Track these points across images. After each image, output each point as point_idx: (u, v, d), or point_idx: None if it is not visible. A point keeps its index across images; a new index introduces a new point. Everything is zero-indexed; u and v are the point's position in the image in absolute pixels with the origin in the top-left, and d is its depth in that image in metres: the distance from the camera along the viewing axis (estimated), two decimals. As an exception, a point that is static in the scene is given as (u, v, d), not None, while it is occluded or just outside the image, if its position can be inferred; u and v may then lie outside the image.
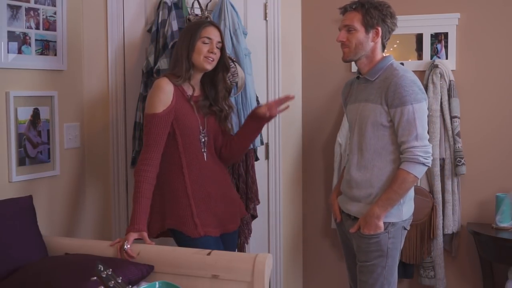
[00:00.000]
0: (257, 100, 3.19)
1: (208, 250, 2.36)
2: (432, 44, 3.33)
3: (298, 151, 3.62)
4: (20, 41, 2.67)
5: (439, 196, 3.24)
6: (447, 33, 3.30)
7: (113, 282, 1.58)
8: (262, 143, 3.25)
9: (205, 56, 2.50)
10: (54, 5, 2.84)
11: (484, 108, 3.29)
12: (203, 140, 2.57)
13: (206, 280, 2.31)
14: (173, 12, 2.98)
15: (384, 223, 2.39)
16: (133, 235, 2.39)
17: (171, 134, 2.51)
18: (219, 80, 2.62)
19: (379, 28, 2.42)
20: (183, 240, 2.51)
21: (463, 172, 3.21)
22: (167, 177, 2.53)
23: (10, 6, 2.61)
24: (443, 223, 3.26)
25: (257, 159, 3.27)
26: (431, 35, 3.33)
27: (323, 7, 3.51)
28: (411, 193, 2.48)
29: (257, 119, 2.65)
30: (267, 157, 3.47)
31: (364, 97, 2.46)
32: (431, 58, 3.33)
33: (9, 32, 2.61)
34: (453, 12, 3.29)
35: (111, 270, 1.60)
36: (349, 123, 2.62)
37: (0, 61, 2.58)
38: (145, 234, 2.41)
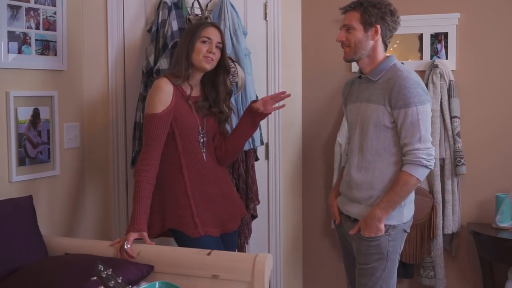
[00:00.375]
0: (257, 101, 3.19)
1: (208, 250, 2.36)
2: (432, 44, 3.33)
3: (298, 151, 3.62)
4: (20, 41, 2.67)
5: (439, 196, 3.24)
6: (447, 33, 3.30)
7: (113, 282, 1.58)
8: (262, 143, 3.25)
9: (204, 55, 2.50)
10: (54, 5, 2.84)
11: (484, 108, 3.29)
12: (202, 140, 2.57)
13: (206, 280, 2.31)
14: (173, 12, 2.98)
15: (385, 225, 2.36)
16: (133, 235, 2.39)
17: (170, 134, 2.51)
18: (220, 82, 2.62)
19: (378, 26, 2.39)
20: (183, 240, 2.51)
21: (463, 172, 3.21)
22: (166, 177, 2.54)
23: (10, 6, 2.61)
24: (443, 223, 3.26)
25: (257, 159, 3.27)
26: (431, 35, 3.33)
27: (323, 7, 3.51)
28: (412, 195, 2.45)
29: (252, 115, 2.64)
30: (267, 157, 3.47)
31: (366, 97, 2.43)
32: (431, 58, 3.33)
33: (9, 32, 2.61)
34: (453, 12, 3.29)
35: (111, 270, 1.60)
36: (349, 123, 2.59)
37: (0, 61, 2.58)
38: (145, 234, 2.41)
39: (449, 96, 3.23)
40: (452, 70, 3.27)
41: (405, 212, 2.42)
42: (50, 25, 2.83)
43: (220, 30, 2.57)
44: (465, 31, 3.29)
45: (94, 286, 1.76)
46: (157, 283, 2.07)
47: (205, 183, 2.56)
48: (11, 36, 2.62)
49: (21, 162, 2.67)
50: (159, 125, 2.46)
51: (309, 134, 3.62)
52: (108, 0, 3.06)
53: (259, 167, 3.33)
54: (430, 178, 3.27)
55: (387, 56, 2.46)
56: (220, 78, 2.61)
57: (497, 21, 3.25)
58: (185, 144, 2.53)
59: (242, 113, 3.03)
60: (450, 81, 3.23)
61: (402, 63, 3.28)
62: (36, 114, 2.76)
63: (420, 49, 3.36)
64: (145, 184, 2.43)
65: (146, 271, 2.32)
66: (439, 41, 3.32)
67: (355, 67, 3.43)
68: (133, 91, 3.10)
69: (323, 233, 3.63)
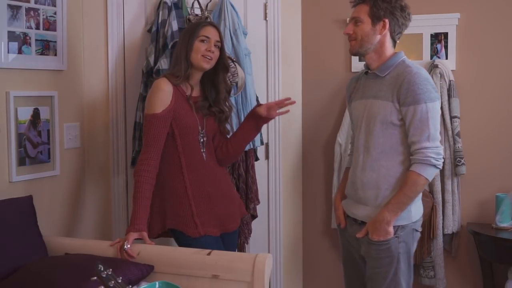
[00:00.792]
0: (257, 100, 3.19)
1: (208, 250, 2.36)
2: (432, 44, 3.33)
3: (298, 151, 3.62)
4: (20, 41, 2.67)
5: (439, 196, 3.24)
6: (447, 33, 3.30)
7: (113, 282, 1.58)
8: (262, 143, 3.25)
9: (203, 54, 2.49)
10: (54, 5, 2.84)
11: (484, 108, 3.29)
12: (202, 140, 2.57)
13: (206, 280, 2.31)
14: (173, 12, 2.98)
15: (394, 226, 2.28)
16: (133, 235, 2.39)
17: (170, 134, 2.51)
18: (220, 81, 2.61)
19: (387, 21, 2.31)
20: (183, 240, 2.51)
21: (463, 172, 3.21)
22: (166, 177, 2.54)
23: (10, 6, 2.61)
24: (443, 223, 3.26)
25: (257, 159, 3.27)
26: (431, 35, 3.33)
27: (323, 7, 3.51)
28: (419, 194, 2.37)
29: (256, 119, 2.64)
30: (267, 157, 3.47)
31: (373, 93, 2.34)
32: (431, 58, 3.33)
33: (9, 32, 2.61)
34: (453, 12, 3.29)
35: (111, 270, 1.60)
36: (353, 121, 2.50)
37: (0, 61, 2.58)
38: (145, 234, 2.41)
39: (449, 96, 3.23)
40: (452, 70, 3.27)
41: (413, 211, 2.34)
42: (50, 25, 2.83)
43: (218, 29, 2.57)
44: (465, 31, 3.29)
45: (94, 286, 1.76)
46: (157, 283, 2.07)
47: (205, 183, 2.56)
48: (11, 36, 2.62)
49: (21, 162, 2.67)
50: (159, 125, 2.46)
51: (309, 134, 3.62)
52: (108, 0, 3.06)
53: (259, 167, 3.33)
54: (430, 178, 3.26)
55: (396, 52, 2.38)
56: (219, 77, 2.61)
57: (497, 21, 3.25)
58: (185, 144, 2.53)
59: (241, 113, 3.04)
60: (450, 81, 3.23)
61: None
62: (36, 114, 2.76)
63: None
64: (145, 184, 2.43)
65: (146, 271, 2.32)
66: (439, 41, 3.32)
67: (355, 67, 3.44)
68: (133, 91, 3.10)
69: (323, 233, 3.63)
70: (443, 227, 3.26)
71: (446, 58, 3.31)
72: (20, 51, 2.67)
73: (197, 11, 3.13)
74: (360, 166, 2.37)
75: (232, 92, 3.03)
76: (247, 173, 3.15)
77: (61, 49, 2.89)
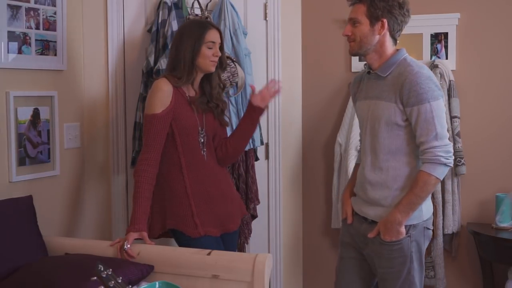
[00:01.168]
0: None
1: (208, 250, 2.36)
2: (432, 44, 3.33)
3: (298, 151, 3.62)
4: (20, 41, 2.67)
5: (439, 196, 3.24)
6: (447, 33, 3.30)
7: (113, 282, 1.58)
8: (262, 143, 3.25)
9: (211, 60, 2.52)
10: (54, 5, 2.84)
11: (484, 108, 3.29)
12: (202, 140, 2.57)
13: (206, 280, 2.31)
14: (173, 12, 2.98)
15: (405, 226, 2.25)
16: (133, 235, 2.39)
17: (170, 134, 2.51)
18: (214, 75, 2.61)
19: (385, 20, 2.26)
20: (183, 240, 2.51)
21: (463, 172, 3.21)
22: (166, 177, 2.54)
23: (10, 6, 2.61)
24: (443, 223, 3.26)
25: (257, 159, 3.27)
26: (431, 35, 3.33)
27: (323, 7, 3.51)
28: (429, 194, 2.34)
29: (251, 112, 2.63)
30: (267, 157, 3.47)
31: (376, 94, 2.31)
32: (431, 58, 3.33)
33: (9, 32, 2.61)
34: (453, 12, 3.29)
35: (111, 270, 1.60)
36: (359, 121, 2.46)
37: (0, 61, 2.58)
38: (145, 234, 2.41)
39: (449, 96, 3.23)
40: (452, 70, 3.27)
41: (424, 209, 2.31)
42: (50, 25, 2.83)
43: (219, 30, 2.58)
44: (465, 31, 3.29)
45: (94, 286, 1.76)
46: (157, 283, 2.07)
47: (205, 183, 2.56)
48: (11, 36, 2.62)
49: (21, 162, 2.67)
50: (158, 126, 2.46)
51: (309, 134, 3.62)
52: (108, 0, 3.06)
53: (259, 167, 3.33)
54: (430, 178, 3.26)
55: (397, 50, 2.33)
56: (214, 72, 2.61)
57: (497, 21, 3.25)
58: (185, 144, 2.53)
59: (241, 113, 3.04)
60: (450, 81, 3.23)
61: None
62: (36, 114, 2.76)
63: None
64: (145, 184, 2.43)
65: (146, 271, 2.32)
66: (439, 41, 3.32)
67: (355, 67, 3.44)
68: (133, 91, 3.10)
69: (323, 233, 3.63)
70: (443, 227, 3.26)
71: (446, 58, 3.31)
72: (20, 51, 2.67)
73: (197, 11, 3.13)
74: (368, 167, 2.34)
75: (232, 92, 3.04)
76: (247, 173, 3.15)
77: (61, 49, 2.89)
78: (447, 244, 3.33)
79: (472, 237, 3.24)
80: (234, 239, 2.72)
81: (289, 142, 3.56)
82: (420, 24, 3.32)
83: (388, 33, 2.30)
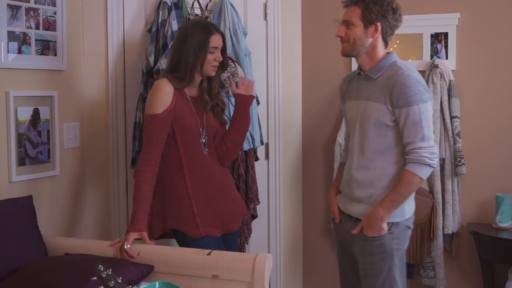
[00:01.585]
0: (257, 100, 3.19)
1: (208, 250, 2.36)
2: (432, 44, 3.33)
3: (298, 151, 3.62)
4: (20, 41, 2.67)
5: (439, 196, 3.24)
6: (447, 33, 3.30)
7: (113, 282, 1.58)
8: (262, 143, 3.25)
9: (212, 65, 2.52)
10: (54, 5, 2.84)
11: (484, 108, 3.29)
12: (203, 140, 2.57)
13: (206, 280, 2.31)
14: (173, 12, 2.98)
15: (387, 223, 2.33)
16: (133, 235, 2.39)
17: (171, 134, 2.51)
18: (214, 76, 2.61)
19: (379, 24, 2.33)
20: (184, 240, 2.51)
21: (463, 172, 3.21)
22: (167, 177, 2.54)
23: (10, 6, 2.61)
24: (443, 223, 3.26)
25: (257, 159, 3.27)
26: (431, 35, 3.33)
27: (323, 7, 3.51)
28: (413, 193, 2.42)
29: (242, 102, 2.66)
30: (267, 157, 3.47)
31: (366, 95, 2.38)
32: (431, 58, 3.33)
33: (9, 32, 2.61)
34: (453, 12, 3.29)
35: (111, 270, 1.60)
36: (348, 121, 2.54)
37: (0, 61, 2.58)
38: (145, 234, 2.41)
39: (449, 96, 3.23)
40: (452, 70, 3.27)
41: (407, 208, 2.39)
42: (50, 25, 2.83)
43: (222, 34, 2.57)
44: (465, 31, 3.29)
45: (94, 286, 1.76)
46: (157, 283, 2.06)
47: (206, 183, 2.56)
48: (11, 36, 2.62)
49: (21, 162, 2.67)
50: (159, 126, 2.46)
51: (309, 134, 3.62)
52: (108, 0, 3.06)
53: (259, 167, 3.33)
54: (430, 178, 3.26)
55: (387, 53, 2.41)
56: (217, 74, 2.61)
57: (497, 21, 3.25)
58: (186, 144, 2.53)
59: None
60: (450, 81, 3.23)
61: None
62: (36, 114, 2.76)
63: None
64: (145, 185, 2.43)
65: (146, 271, 2.32)
66: (439, 41, 3.32)
67: (355, 66, 3.43)
68: (133, 91, 3.10)
69: (323, 233, 3.63)
70: (443, 227, 3.26)
71: (446, 58, 3.31)
72: (20, 51, 2.67)
73: (197, 11, 3.13)
74: (355, 165, 2.41)
75: (232, 92, 3.03)
76: (247, 173, 3.15)
77: (61, 49, 2.89)
78: (447, 244, 3.33)
79: (472, 237, 3.24)
80: (235, 239, 2.72)
81: (289, 142, 3.56)
82: (420, 24, 3.33)
83: (380, 36, 2.37)
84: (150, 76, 2.94)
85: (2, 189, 2.58)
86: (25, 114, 2.70)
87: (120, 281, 1.59)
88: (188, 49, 2.50)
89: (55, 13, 2.85)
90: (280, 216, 3.51)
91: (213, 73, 2.54)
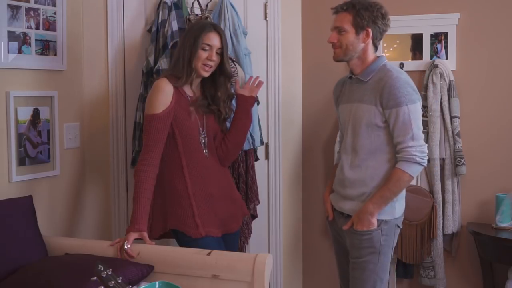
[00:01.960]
0: (257, 100, 3.19)
1: (208, 250, 2.36)
2: (432, 44, 3.33)
3: (298, 151, 3.62)
4: (20, 41, 2.67)
5: (439, 196, 3.24)
6: (447, 33, 3.30)
7: (113, 282, 1.58)
8: (262, 143, 3.25)
9: (203, 63, 2.50)
10: (54, 5, 2.84)
11: (484, 108, 3.29)
12: (203, 141, 2.57)
13: (206, 280, 2.31)
14: (173, 12, 2.97)
15: (378, 220, 2.42)
16: (133, 235, 2.39)
17: (171, 134, 2.51)
18: (221, 83, 2.61)
19: (370, 30, 2.45)
20: (184, 240, 2.51)
21: (463, 172, 3.21)
22: (167, 177, 2.54)
23: (10, 6, 2.61)
24: (443, 223, 3.26)
25: (257, 159, 3.27)
26: (431, 35, 3.33)
27: (323, 7, 3.50)
28: (403, 191, 2.51)
29: (242, 104, 2.67)
30: (267, 157, 3.47)
31: (358, 97, 2.48)
32: (431, 58, 3.33)
33: (9, 32, 2.61)
34: (453, 12, 3.29)
35: (111, 270, 1.60)
36: (341, 123, 2.65)
37: (0, 61, 2.58)
38: (145, 234, 2.41)
39: (449, 96, 3.23)
40: (452, 70, 3.27)
41: (397, 207, 2.48)
42: (50, 25, 2.83)
43: (221, 35, 2.56)
44: (465, 31, 3.29)
45: (94, 286, 1.76)
46: (157, 283, 2.07)
47: (206, 183, 2.56)
48: (11, 36, 2.62)
49: (21, 162, 2.67)
50: (159, 126, 2.46)
51: (309, 134, 3.62)
52: (108, 0, 3.06)
53: (259, 167, 3.33)
54: (430, 178, 3.27)
55: (377, 57, 2.52)
56: (220, 81, 2.61)
57: (497, 21, 3.25)
58: (185, 144, 2.53)
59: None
60: (450, 81, 3.23)
61: (402, 63, 3.34)
62: (36, 114, 2.76)
63: (416, 49, 3.35)
64: (145, 184, 2.43)
65: (146, 271, 2.32)
66: (439, 41, 3.32)
67: (355, 67, 3.44)
68: (133, 91, 3.10)
69: (323, 233, 3.63)
70: (443, 227, 3.26)
71: (446, 58, 3.30)
72: (20, 51, 2.67)
73: (197, 11, 3.13)
74: (348, 165, 2.51)
75: (235, 91, 3.03)
76: (247, 173, 3.15)
77: (61, 49, 2.89)
78: (447, 244, 3.33)
79: (472, 237, 3.24)
80: (236, 239, 2.73)
81: (289, 142, 3.56)
82: (420, 24, 3.33)
83: (371, 41, 2.48)
84: (150, 76, 2.94)
85: (2, 189, 2.58)
86: (25, 114, 2.70)
87: (120, 281, 1.59)
88: (183, 46, 2.52)
89: (55, 13, 2.85)
90: (280, 216, 3.51)
91: (203, 73, 2.52)
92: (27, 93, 2.71)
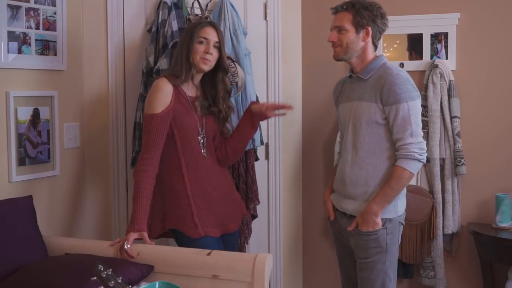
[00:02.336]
0: (257, 100, 3.19)
1: (208, 250, 2.36)
2: (432, 44, 3.33)
3: (298, 151, 3.62)
4: (20, 41, 2.67)
5: (439, 196, 3.24)
6: (447, 33, 3.30)
7: (113, 282, 1.58)
8: (262, 143, 3.25)
9: (201, 57, 2.50)
10: (54, 5, 2.84)
11: (484, 108, 3.29)
12: (202, 141, 2.57)
13: (206, 280, 2.31)
14: (173, 12, 2.97)
15: (382, 219, 2.44)
16: (133, 235, 2.39)
17: (170, 134, 2.51)
18: (218, 80, 2.62)
19: (369, 28, 2.48)
20: (183, 240, 2.51)
21: (463, 172, 3.21)
22: (166, 177, 2.54)
23: (10, 6, 2.61)
24: (443, 223, 3.25)
25: (257, 159, 3.27)
26: (431, 35, 3.33)
27: (323, 7, 3.50)
28: (404, 189, 2.52)
29: (251, 116, 2.65)
30: (267, 157, 3.47)
31: (358, 95, 2.50)
32: (431, 58, 3.33)
33: (9, 32, 2.61)
34: (453, 12, 3.29)
35: (111, 270, 1.60)
36: (341, 122, 2.67)
37: (0, 61, 2.58)
38: (145, 234, 2.41)
39: (449, 96, 3.23)
40: (452, 70, 3.27)
41: (399, 205, 2.50)
42: (50, 25, 2.83)
43: (217, 29, 2.57)
44: (465, 31, 3.29)
45: (94, 286, 1.76)
46: (157, 283, 2.07)
47: (205, 183, 2.56)
48: (11, 36, 2.62)
49: (21, 162, 2.67)
50: (158, 126, 2.46)
51: (309, 134, 3.62)
52: (108, 0, 3.06)
53: (259, 167, 3.33)
54: (430, 178, 3.27)
55: (377, 56, 2.55)
56: (218, 77, 2.61)
57: (497, 21, 3.25)
58: (184, 144, 2.53)
59: (241, 113, 3.04)
60: (450, 81, 3.23)
61: (402, 63, 3.34)
62: (36, 114, 2.76)
63: (412, 49, 3.36)
64: (144, 184, 2.43)
65: (146, 271, 2.32)
66: (439, 41, 3.32)
67: (355, 67, 3.44)
68: (133, 91, 3.10)
69: (323, 233, 3.63)
70: (443, 227, 3.25)
71: (446, 58, 3.30)
72: (20, 51, 2.67)
73: (197, 11, 3.13)
74: (349, 164, 2.52)
75: (232, 92, 3.03)
76: (247, 173, 3.15)
77: (61, 49, 2.89)
78: (447, 244, 3.33)
79: (472, 237, 3.24)
80: (235, 239, 2.72)
81: (289, 142, 3.56)
82: (420, 24, 3.33)
83: (370, 40, 2.52)
84: (150, 76, 2.94)
85: (2, 189, 2.58)
86: (25, 114, 2.70)
87: (120, 281, 1.59)
88: (181, 44, 2.54)
89: (55, 13, 2.85)
90: (280, 216, 3.51)
91: (203, 67, 2.52)
92: (27, 93, 2.71)
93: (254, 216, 3.19)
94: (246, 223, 3.13)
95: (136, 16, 3.12)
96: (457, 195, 3.28)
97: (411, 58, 3.37)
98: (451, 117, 3.22)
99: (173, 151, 2.53)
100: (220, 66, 2.59)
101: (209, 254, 2.34)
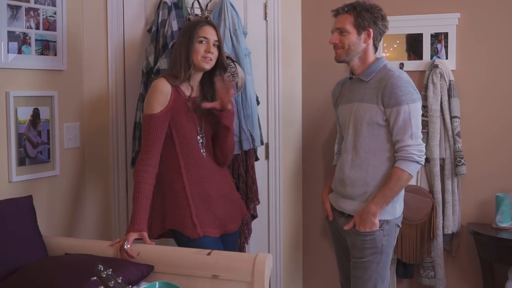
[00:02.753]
0: (257, 100, 3.19)
1: (208, 250, 2.36)
2: (432, 44, 3.33)
3: (298, 151, 3.62)
4: (20, 41, 2.67)
5: (439, 196, 3.24)
6: (447, 33, 3.30)
7: (113, 282, 1.58)
8: (262, 143, 3.25)
9: (203, 56, 2.50)
10: (54, 5, 2.84)
11: (484, 108, 3.29)
12: (201, 140, 2.57)
13: (206, 280, 2.31)
14: (173, 12, 2.98)
15: (379, 220, 2.46)
16: (133, 235, 2.39)
17: (169, 134, 2.51)
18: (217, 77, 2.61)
19: (371, 30, 2.51)
20: (182, 240, 2.51)
21: (463, 172, 3.21)
22: (166, 177, 2.54)
23: (10, 6, 2.61)
24: (443, 223, 3.25)
25: (257, 159, 3.27)
26: (431, 35, 3.33)
27: (323, 7, 3.50)
28: (402, 191, 2.54)
29: (218, 119, 2.56)
30: (267, 157, 3.47)
31: (359, 97, 2.52)
32: (431, 58, 3.33)
33: (9, 32, 2.61)
34: (453, 12, 3.29)
35: (111, 270, 1.60)
36: (341, 123, 2.68)
37: (0, 61, 2.58)
38: (145, 234, 2.41)
39: (449, 96, 3.23)
40: (452, 70, 3.27)
41: (397, 207, 2.53)
42: (50, 25, 2.83)
43: (215, 28, 2.57)
44: (465, 31, 3.29)
45: (94, 286, 1.76)
46: (157, 283, 2.07)
47: (205, 183, 2.56)
48: (11, 36, 2.62)
49: (21, 162, 2.67)
50: (157, 126, 2.46)
51: (309, 134, 3.62)
52: (108, 0, 3.07)
53: (259, 167, 3.33)
54: (430, 178, 3.27)
55: (378, 58, 2.57)
56: (216, 74, 2.61)
57: (497, 21, 3.25)
58: (183, 144, 2.53)
59: (241, 113, 3.04)
60: (450, 81, 3.23)
61: (402, 63, 3.34)
62: (36, 114, 2.76)
63: (410, 49, 3.36)
64: (144, 185, 2.43)
65: (146, 271, 2.32)
66: (439, 41, 3.32)
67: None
68: (133, 91, 3.10)
69: (323, 233, 3.63)
70: (443, 227, 3.26)
71: (446, 58, 3.30)
72: (20, 51, 2.67)
73: (197, 11, 3.13)
74: (348, 164, 2.54)
75: (232, 92, 3.03)
76: (247, 173, 3.15)
77: (61, 49, 2.89)
78: (447, 244, 3.33)
79: (472, 237, 3.24)
80: (235, 239, 2.72)
81: (289, 142, 3.56)
82: (420, 24, 3.33)
83: (371, 42, 2.54)
84: (150, 76, 2.94)
85: (2, 189, 2.58)
86: (25, 114, 2.70)
87: (120, 281, 1.59)
88: (180, 44, 2.53)
89: (55, 13, 2.85)
90: (280, 216, 3.51)
91: (206, 66, 2.52)
92: (27, 93, 2.71)
93: (254, 216, 3.19)
94: (246, 223, 3.13)
95: (136, 16, 3.12)
96: (457, 195, 3.28)
97: (410, 58, 3.37)
98: (451, 117, 3.22)
99: (172, 151, 2.53)
100: (219, 64, 2.59)
101: (209, 254, 2.34)
